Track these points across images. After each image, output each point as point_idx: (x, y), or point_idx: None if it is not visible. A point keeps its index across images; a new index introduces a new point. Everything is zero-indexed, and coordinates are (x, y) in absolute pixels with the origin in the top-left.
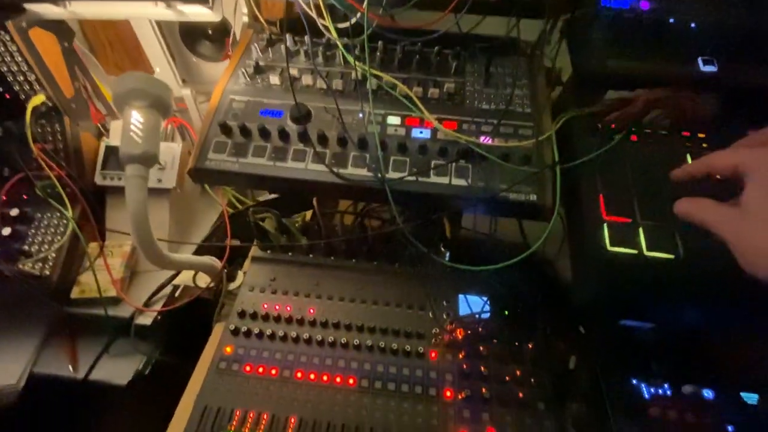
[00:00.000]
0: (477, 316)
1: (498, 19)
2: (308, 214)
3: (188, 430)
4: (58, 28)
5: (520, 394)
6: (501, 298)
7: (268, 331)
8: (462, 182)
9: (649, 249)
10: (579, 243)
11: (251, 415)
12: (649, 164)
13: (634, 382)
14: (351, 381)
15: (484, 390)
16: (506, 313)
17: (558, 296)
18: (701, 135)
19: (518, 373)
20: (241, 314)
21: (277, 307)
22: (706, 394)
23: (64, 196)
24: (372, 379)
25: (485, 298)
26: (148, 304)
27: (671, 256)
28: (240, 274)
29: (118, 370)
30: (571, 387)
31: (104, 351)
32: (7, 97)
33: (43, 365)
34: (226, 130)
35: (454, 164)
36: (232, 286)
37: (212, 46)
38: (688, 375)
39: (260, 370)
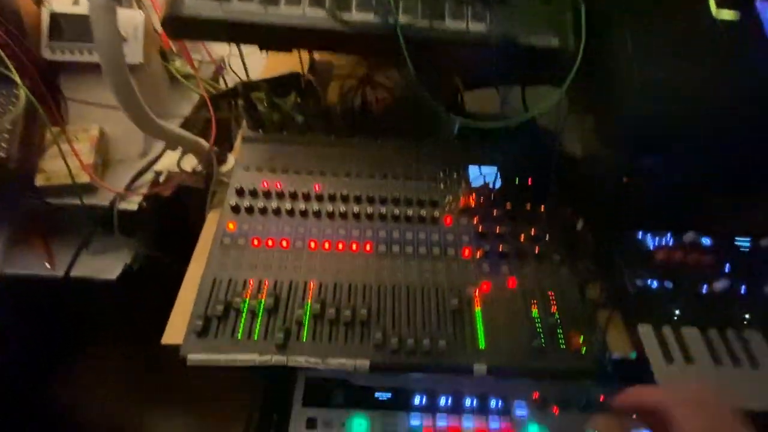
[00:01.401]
0: (488, 183)
1: None
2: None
3: (199, 303)
4: None
5: (536, 249)
6: (511, 167)
7: (273, 206)
8: (480, 27)
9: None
10: (605, 80)
11: (266, 282)
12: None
13: (640, 235)
14: (368, 247)
15: (501, 247)
16: (517, 180)
17: (564, 164)
18: None
19: (533, 231)
20: (240, 191)
21: (278, 185)
22: (704, 241)
23: (10, 66)
24: (389, 244)
25: (495, 168)
26: (129, 189)
27: (698, 85)
28: (230, 156)
29: (105, 265)
30: (581, 244)
31: (86, 243)
32: None
33: (16, 264)
34: None
35: (470, 7)
36: (224, 169)
37: None
38: (688, 226)
39: (269, 243)
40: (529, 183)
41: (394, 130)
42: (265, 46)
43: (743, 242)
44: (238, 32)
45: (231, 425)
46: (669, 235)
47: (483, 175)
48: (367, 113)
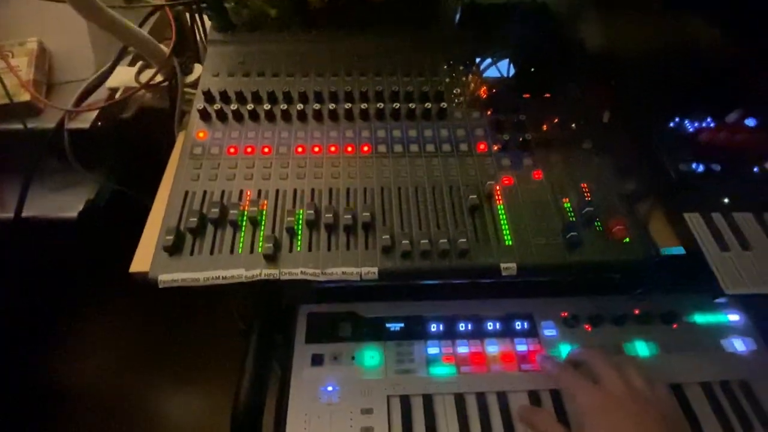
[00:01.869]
0: (501, 72)
1: None
2: None
3: (169, 217)
4: None
5: (563, 136)
6: (523, 56)
7: (249, 109)
8: None
9: None
10: None
11: (248, 192)
12: None
13: (677, 119)
14: (365, 149)
15: (522, 137)
16: (532, 69)
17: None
18: None
19: (556, 120)
20: (208, 95)
21: (254, 89)
22: (748, 122)
23: None
24: (390, 144)
25: (507, 60)
26: (78, 107)
27: None
28: (196, 66)
29: (65, 203)
30: (610, 136)
31: (32, 173)
32: None
33: None
34: None
35: None
36: (189, 79)
37: None
38: (732, 104)
39: (248, 150)
40: (547, 72)
41: (386, 20)
42: None
43: None
44: None
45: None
46: (709, 118)
47: (494, 64)
48: (352, 3)
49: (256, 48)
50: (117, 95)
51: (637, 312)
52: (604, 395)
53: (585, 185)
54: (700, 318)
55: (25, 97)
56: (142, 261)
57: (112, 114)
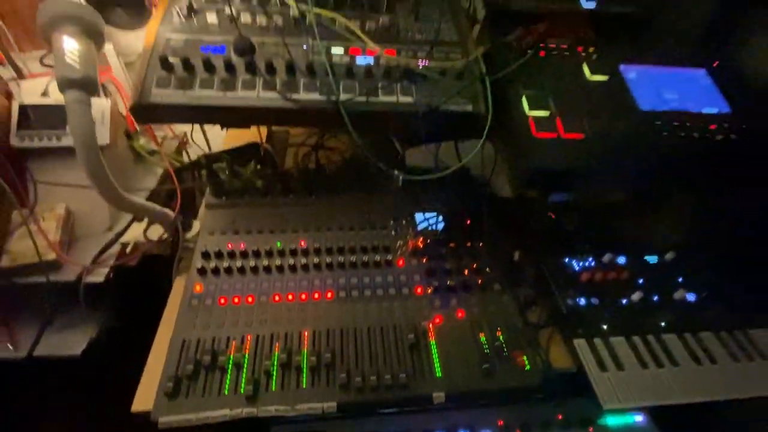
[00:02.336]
0: (433, 227)
1: None
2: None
3: (169, 365)
4: None
5: (480, 281)
6: (451, 212)
7: (238, 265)
8: (408, 99)
9: (565, 132)
10: (510, 137)
11: (233, 339)
12: (556, 72)
13: (566, 260)
14: (329, 295)
15: (449, 282)
16: (457, 222)
17: (496, 205)
18: (591, 49)
19: (474, 266)
20: (205, 254)
21: (242, 245)
22: (619, 260)
23: None
24: (348, 290)
25: (437, 213)
26: (95, 262)
27: (582, 136)
28: (195, 223)
29: (69, 341)
30: (520, 273)
31: (49, 320)
32: None
33: None
34: (167, 65)
35: (399, 84)
36: (189, 235)
37: (126, 13)
38: (605, 248)
39: (235, 300)
40: (468, 224)
41: (346, 187)
42: (225, 125)
43: (651, 258)
44: (200, 115)
45: None
46: (591, 258)
47: (427, 219)
48: (320, 174)
49: (244, 210)
50: (128, 249)
51: (560, 417)
52: None
53: (496, 320)
54: (611, 420)
55: (51, 256)
56: (143, 400)
57: (120, 265)
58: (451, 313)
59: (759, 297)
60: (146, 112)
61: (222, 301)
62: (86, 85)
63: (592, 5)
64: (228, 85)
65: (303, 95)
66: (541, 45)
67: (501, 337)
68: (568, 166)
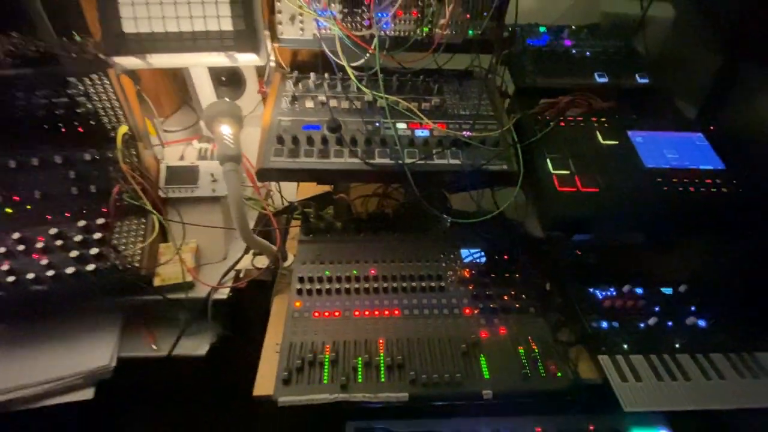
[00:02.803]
0: (476, 260)
1: (462, 56)
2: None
3: (283, 360)
4: (133, 75)
5: (517, 305)
6: (491, 248)
7: (326, 288)
8: (456, 161)
9: (583, 187)
10: (538, 190)
11: (327, 343)
12: (574, 138)
13: (591, 290)
14: (396, 312)
15: (492, 305)
16: (496, 256)
17: (529, 243)
18: (603, 119)
19: (512, 292)
20: (301, 279)
21: (327, 273)
22: (637, 290)
23: (146, 203)
24: (411, 309)
25: (479, 250)
26: (220, 284)
27: (597, 189)
28: (290, 255)
29: (196, 344)
30: (549, 300)
31: (185, 327)
32: (96, 128)
33: (129, 348)
34: (280, 140)
35: (449, 150)
36: (286, 264)
37: (229, 90)
38: (625, 280)
39: (326, 314)
40: (505, 258)
41: (404, 227)
42: (321, 182)
43: (666, 289)
44: (304, 175)
45: None
46: (612, 288)
47: (471, 254)
48: (384, 217)
49: (327, 245)
50: (241, 275)
51: (591, 428)
52: None
53: (531, 338)
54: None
55: (189, 278)
56: (261, 388)
57: (236, 287)
58: (495, 330)
59: (763, 324)
60: (266, 174)
61: (316, 314)
62: (238, 159)
63: (604, 80)
64: (324, 154)
65: (378, 160)
66: (561, 117)
67: (536, 351)
68: (586, 214)
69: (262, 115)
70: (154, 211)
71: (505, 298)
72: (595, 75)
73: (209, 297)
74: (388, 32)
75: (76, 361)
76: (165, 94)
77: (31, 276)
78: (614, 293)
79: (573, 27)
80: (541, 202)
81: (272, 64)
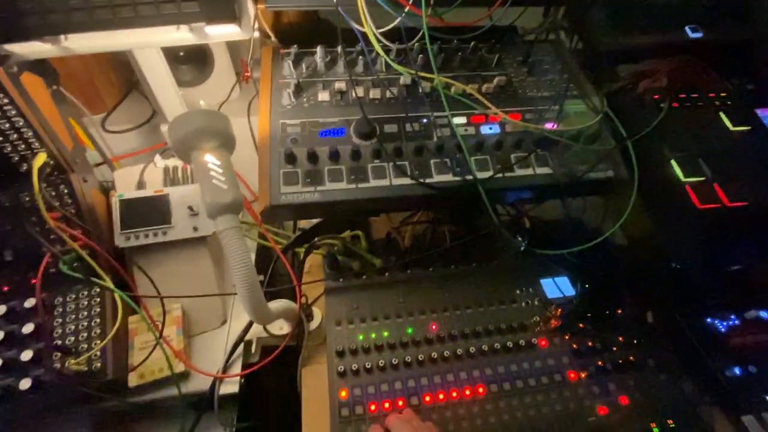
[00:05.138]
0: (563, 294)
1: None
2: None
3: None
4: (43, 70)
5: (631, 357)
6: (579, 274)
7: (378, 363)
8: (546, 170)
9: (730, 201)
10: (667, 206)
11: None
12: (694, 126)
13: (708, 320)
14: (480, 390)
15: (600, 363)
16: (586, 286)
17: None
18: (723, 94)
19: (620, 339)
20: (340, 353)
21: (373, 336)
22: (762, 314)
23: (96, 267)
24: (499, 382)
25: (566, 278)
26: (225, 369)
27: (746, 203)
28: (316, 311)
29: None
30: (655, 336)
31: (189, 428)
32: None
33: None
34: (291, 159)
35: (533, 155)
36: (312, 325)
37: (191, 70)
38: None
39: (386, 405)
40: (600, 288)
41: (461, 257)
42: (357, 216)
43: None
44: (333, 209)
45: None
46: (733, 316)
47: (556, 285)
48: (437, 246)
49: (364, 292)
50: (253, 348)
51: None
52: None
53: (661, 406)
54: None
55: (180, 367)
56: None
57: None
58: (614, 400)
59: None
60: (277, 214)
61: (372, 407)
62: (237, 206)
63: (698, 35)
64: (358, 174)
65: (437, 178)
66: (670, 93)
67: (672, 426)
68: (741, 241)
69: (258, 116)
70: (109, 284)
71: (615, 349)
72: (687, 29)
73: (214, 389)
74: None
75: None
76: (101, 80)
77: None
78: (737, 322)
79: None
80: (671, 225)
81: (256, 34)
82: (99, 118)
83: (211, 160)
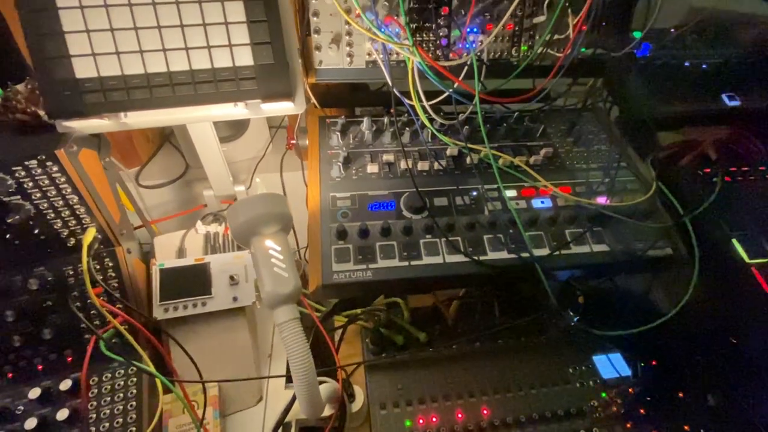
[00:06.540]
0: (619, 373)
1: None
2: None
3: None
4: (99, 144)
5: None
6: (635, 351)
7: None
8: (603, 247)
9: None
10: (731, 290)
11: None
12: (751, 201)
13: None
14: None
15: None
16: (642, 364)
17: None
18: None
19: (686, 428)
20: None
21: (421, 421)
22: None
23: (136, 347)
24: None
25: (619, 355)
26: None
27: None
28: (357, 390)
29: None
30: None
31: None
32: (43, 239)
33: None
34: (342, 235)
35: (588, 233)
36: (355, 407)
37: (228, 127)
38: None
39: None
40: (654, 364)
41: (509, 331)
42: (408, 294)
43: None
44: (385, 288)
45: None
46: None
47: (611, 363)
48: (485, 318)
49: (409, 371)
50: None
51: None
52: None
53: None
54: None
55: None
56: None
57: None
58: None
59: None
60: (329, 293)
61: None
62: (297, 296)
63: (735, 103)
64: (410, 251)
65: (491, 255)
66: (722, 167)
67: None
68: None
69: (308, 189)
70: (151, 368)
71: None
72: (724, 97)
73: None
74: (478, 54)
75: None
76: (137, 134)
77: None
78: None
79: (672, 29)
80: (736, 307)
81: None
82: (133, 172)
83: (271, 246)
